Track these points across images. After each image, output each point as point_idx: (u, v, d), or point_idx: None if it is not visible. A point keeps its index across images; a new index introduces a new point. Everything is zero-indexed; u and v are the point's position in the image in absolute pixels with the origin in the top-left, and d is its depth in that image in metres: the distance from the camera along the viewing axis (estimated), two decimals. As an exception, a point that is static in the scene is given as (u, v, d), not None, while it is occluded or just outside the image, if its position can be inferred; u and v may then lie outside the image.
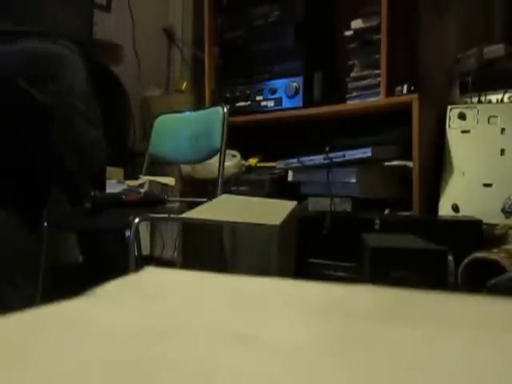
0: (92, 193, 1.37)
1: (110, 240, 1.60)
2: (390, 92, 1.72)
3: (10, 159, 1.47)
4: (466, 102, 1.69)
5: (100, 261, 1.57)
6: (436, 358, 0.23)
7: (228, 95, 2.12)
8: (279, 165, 1.78)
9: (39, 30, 1.50)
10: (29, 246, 1.48)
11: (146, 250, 2.35)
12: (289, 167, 1.76)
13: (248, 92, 2.06)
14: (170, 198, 1.47)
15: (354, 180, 1.58)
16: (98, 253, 1.58)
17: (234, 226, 1.26)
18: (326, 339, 0.25)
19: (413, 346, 0.24)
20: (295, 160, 1.67)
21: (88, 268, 1.56)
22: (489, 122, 1.60)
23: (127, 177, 1.67)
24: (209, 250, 1.30)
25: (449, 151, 1.65)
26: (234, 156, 1.99)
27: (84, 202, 1.36)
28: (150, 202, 1.44)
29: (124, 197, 1.42)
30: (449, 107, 1.67)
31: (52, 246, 1.58)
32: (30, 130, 1.46)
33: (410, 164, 1.65)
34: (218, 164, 1.63)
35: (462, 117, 1.64)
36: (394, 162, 1.70)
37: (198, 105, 2.34)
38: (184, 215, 1.05)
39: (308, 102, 1.92)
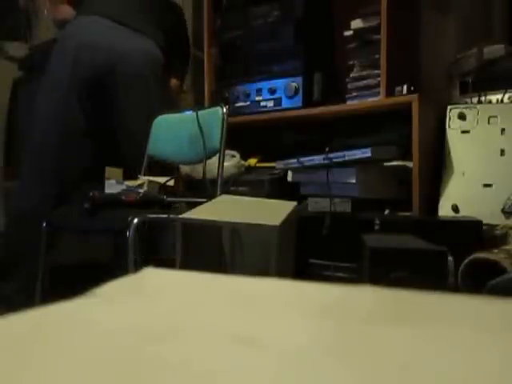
0: (91, 193, 1.36)
1: (105, 242, 1.60)
2: (389, 92, 1.71)
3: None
4: (466, 102, 1.69)
5: (94, 262, 1.58)
6: (436, 358, 0.23)
7: (227, 95, 2.11)
8: (279, 165, 1.78)
9: (149, 30, 1.65)
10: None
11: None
12: (288, 167, 1.75)
13: (247, 92, 2.06)
14: (170, 199, 1.46)
15: (353, 180, 1.57)
16: (93, 254, 1.59)
17: (233, 227, 1.26)
18: (325, 340, 0.25)
19: (413, 346, 0.24)
20: (295, 160, 1.67)
21: (85, 269, 1.57)
22: (489, 122, 1.60)
23: (126, 177, 1.66)
24: (208, 251, 1.30)
25: (449, 151, 1.65)
26: (233, 156, 1.99)
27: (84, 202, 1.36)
28: (150, 203, 1.44)
29: (123, 197, 1.42)
30: (449, 107, 1.67)
31: (52, 246, 1.58)
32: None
33: (409, 164, 1.64)
34: (217, 164, 1.63)
35: (461, 117, 1.64)
36: (394, 162, 1.70)
37: (198, 105, 2.34)
38: (184, 215, 1.05)
39: (308, 102, 1.92)
